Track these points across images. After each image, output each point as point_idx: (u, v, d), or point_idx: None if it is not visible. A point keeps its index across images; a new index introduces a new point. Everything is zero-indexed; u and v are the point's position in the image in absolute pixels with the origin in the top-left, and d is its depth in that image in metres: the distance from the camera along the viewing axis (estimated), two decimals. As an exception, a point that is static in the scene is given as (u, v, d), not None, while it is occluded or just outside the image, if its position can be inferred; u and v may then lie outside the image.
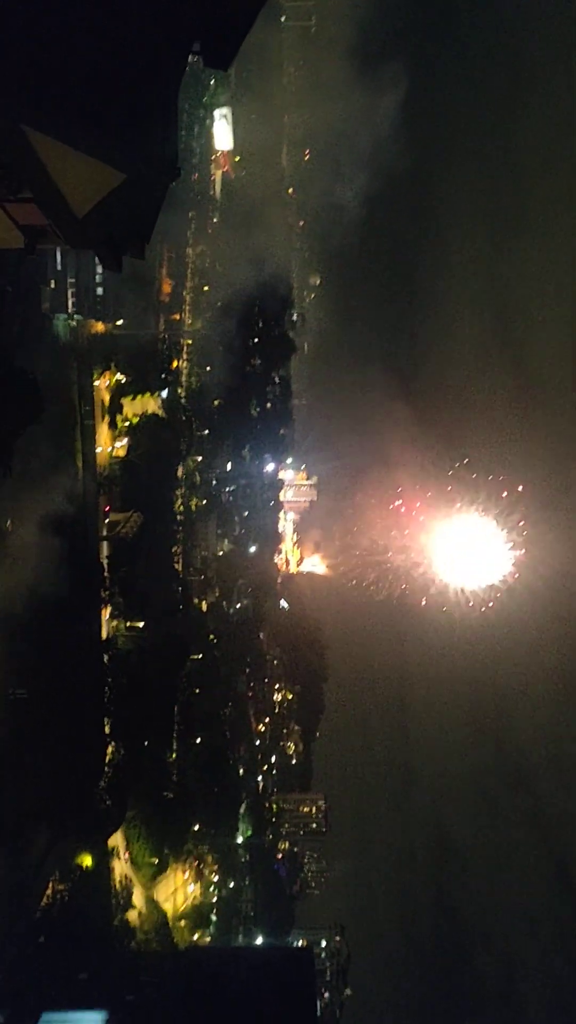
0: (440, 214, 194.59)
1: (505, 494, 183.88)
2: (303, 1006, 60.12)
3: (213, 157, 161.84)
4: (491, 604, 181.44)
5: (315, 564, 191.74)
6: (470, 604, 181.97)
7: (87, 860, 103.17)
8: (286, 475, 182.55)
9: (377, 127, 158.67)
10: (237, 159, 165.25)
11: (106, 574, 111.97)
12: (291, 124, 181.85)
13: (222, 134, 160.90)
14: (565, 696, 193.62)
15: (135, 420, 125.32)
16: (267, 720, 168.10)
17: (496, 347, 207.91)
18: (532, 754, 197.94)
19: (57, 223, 16.17)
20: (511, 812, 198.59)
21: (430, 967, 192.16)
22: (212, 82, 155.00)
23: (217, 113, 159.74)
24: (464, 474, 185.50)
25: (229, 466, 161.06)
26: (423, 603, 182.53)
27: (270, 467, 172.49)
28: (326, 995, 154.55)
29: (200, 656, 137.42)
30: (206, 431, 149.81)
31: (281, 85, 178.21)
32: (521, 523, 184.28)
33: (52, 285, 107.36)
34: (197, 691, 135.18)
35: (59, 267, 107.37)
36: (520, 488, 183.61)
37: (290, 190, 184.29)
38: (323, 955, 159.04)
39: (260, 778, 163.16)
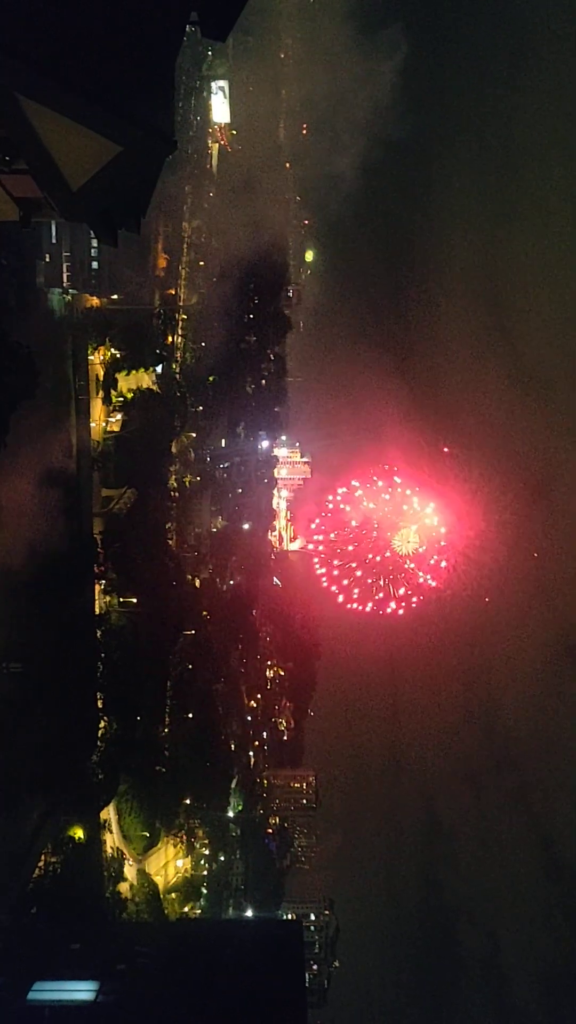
0: (438, 191, 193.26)
1: (498, 471, 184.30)
2: (292, 977, 60.78)
3: (210, 130, 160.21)
4: (484, 582, 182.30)
5: (306, 542, 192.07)
6: (458, 584, 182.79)
7: (79, 833, 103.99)
8: (280, 452, 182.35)
9: (375, 100, 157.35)
10: (234, 132, 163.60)
11: (100, 550, 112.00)
12: (289, 97, 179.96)
13: (219, 107, 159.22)
14: (552, 676, 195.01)
15: (129, 395, 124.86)
16: (259, 696, 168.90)
17: (491, 325, 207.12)
18: (519, 733, 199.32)
19: (52, 195, 16.06)
20: (497, 789, 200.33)
21: (417, 941, 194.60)
22: (209, 53, 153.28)
23: (214, 85, 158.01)
24: (457, 452, 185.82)
25: (223, 443, 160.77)
26: (419, 582, 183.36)
27: (264, 444, 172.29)
28: (315, 967, 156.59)
29: (193, 632, 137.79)
30: (200, 407, 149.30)
31: (279, 58, 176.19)
32: (514, 501, 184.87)
33: (47, 259, 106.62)
34: (190, 667, 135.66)
35: (54, 241, 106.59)
36: (515, 466, 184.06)
37: (287, 164, 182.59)
38: (312, 928, 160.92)
39: (251, 753, 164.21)
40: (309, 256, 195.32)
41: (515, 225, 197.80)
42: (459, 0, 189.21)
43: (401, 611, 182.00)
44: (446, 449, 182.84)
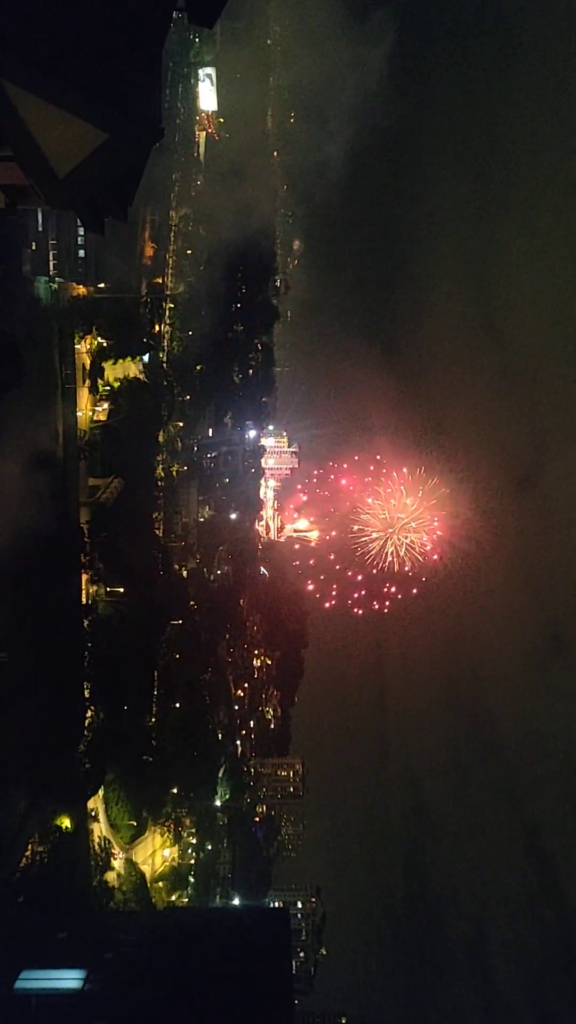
0: (426, 180, 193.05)
1: (484, 462, 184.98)
2: (279, 965, 61.12)
3: (197, 118, 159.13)
4: (470, 571, 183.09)
5: (295, 530, 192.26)
6: (445, 571, 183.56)
7: (66, 822, 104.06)
8: (268, 442, 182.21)
9: (364, 87, 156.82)
10: (221, 120, 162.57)
11: (86, 539, 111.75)
12: (276, 85, 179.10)
13: (206, 94, 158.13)
14: (537, 664, 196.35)
15: (116, 384, 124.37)
16: (246, 685, 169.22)
17: (478, 316, 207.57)
18: (503, 723, 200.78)
19: (38, 183, 15.94)
20: (482, 778, 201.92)
21: (403, 927, 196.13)
22: (197, 41, 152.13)
23: (202, 73, 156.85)
24: (443, 440, 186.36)
25: (211, 432, 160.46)
26: (406, 571, 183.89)
27: (252, 434, 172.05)
28: (302, 954, 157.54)
29: (180, 622, 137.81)
30: (188, 397, 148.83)
31: (267, 46, 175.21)
32: (500, 491, 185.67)
33: (33, 247, 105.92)
34: (177, 656, 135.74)
35: (40, 229, 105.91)
36: (500, 455, 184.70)
37: (275, 152, 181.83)
38: (299, 915, 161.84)
39: (239, 742, 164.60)
40: (297, 245, 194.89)
41: (503, 215, 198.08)
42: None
43: (385, 606, 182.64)
44: (430, 439, 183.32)
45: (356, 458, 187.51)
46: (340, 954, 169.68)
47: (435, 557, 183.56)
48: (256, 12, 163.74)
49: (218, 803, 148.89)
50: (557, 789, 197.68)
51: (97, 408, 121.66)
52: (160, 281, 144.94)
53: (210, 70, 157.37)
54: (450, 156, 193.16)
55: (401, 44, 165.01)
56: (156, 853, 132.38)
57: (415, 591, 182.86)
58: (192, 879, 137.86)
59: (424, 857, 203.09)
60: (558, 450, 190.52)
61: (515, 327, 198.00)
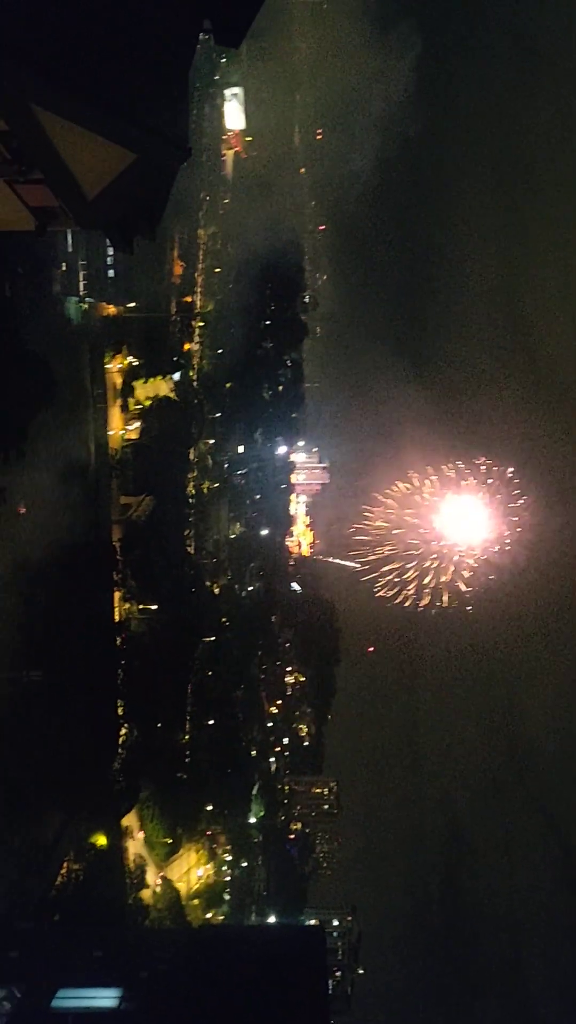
0: (455, 194, 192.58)
1: (514, 477, 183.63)
2: (315, 984, 60.52)
3: (224, 137, 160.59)
4: (504, 588, 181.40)
5: (327, 548, 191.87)
6: (477, 589, 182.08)
7: (101, 840, 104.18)
8: (298, 458, 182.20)
9: (390, 105, 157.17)
10: (249, 139, 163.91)
11: (119, 557, 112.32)
12: (303, 101, 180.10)
13: (233, 113, 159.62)
14: (573, 685, 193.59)
15: (147, 403, 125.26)
16: (279, 702, 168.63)
17: (508, 329, 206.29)
18: (540, 740, 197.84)
19: (68, 204, 16.10)
20: (519, 797, 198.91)
21: (439, 948, 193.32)
22: (223, 61, 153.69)
23: (228, 92, 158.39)
24: (475, 455, 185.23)
25: (241, 449, 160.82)
26: (438, 586, 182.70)
27: (282, 450, 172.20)
28: (338, 973, 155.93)
29: (213, 638, 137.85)
30: (218, 414, 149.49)
31: (292, 63, 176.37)
32: (530, 508, 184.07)
33: (63, 268, 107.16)
34: (210, 673, 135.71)
35: (70, 249, 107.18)
36: (529, 472, 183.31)
37: (302, 170, 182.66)
38: (335, 934, 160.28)
39: (272, 760, 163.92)
40: (325, 262, 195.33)
41: (531, 226, 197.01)
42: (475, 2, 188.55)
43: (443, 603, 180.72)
44: (461, 455, 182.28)
45: (387, 474, 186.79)
46: (376, 973, 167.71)
47: (467, 576, 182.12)
48: (281, 31, 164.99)
49: (252, 820, 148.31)
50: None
51: (128, 427, 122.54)
52: (189, 299, 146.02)
53: (237, 90, 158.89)
54: (478, 167, 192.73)
55: (426, 55, 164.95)
56: (191, 870, 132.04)
57: (451, 607, 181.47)
58: (227, 897, 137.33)
59: (460, 876, 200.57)
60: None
61: (546, 339, 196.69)
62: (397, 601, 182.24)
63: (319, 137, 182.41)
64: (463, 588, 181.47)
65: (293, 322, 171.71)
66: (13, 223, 17.78)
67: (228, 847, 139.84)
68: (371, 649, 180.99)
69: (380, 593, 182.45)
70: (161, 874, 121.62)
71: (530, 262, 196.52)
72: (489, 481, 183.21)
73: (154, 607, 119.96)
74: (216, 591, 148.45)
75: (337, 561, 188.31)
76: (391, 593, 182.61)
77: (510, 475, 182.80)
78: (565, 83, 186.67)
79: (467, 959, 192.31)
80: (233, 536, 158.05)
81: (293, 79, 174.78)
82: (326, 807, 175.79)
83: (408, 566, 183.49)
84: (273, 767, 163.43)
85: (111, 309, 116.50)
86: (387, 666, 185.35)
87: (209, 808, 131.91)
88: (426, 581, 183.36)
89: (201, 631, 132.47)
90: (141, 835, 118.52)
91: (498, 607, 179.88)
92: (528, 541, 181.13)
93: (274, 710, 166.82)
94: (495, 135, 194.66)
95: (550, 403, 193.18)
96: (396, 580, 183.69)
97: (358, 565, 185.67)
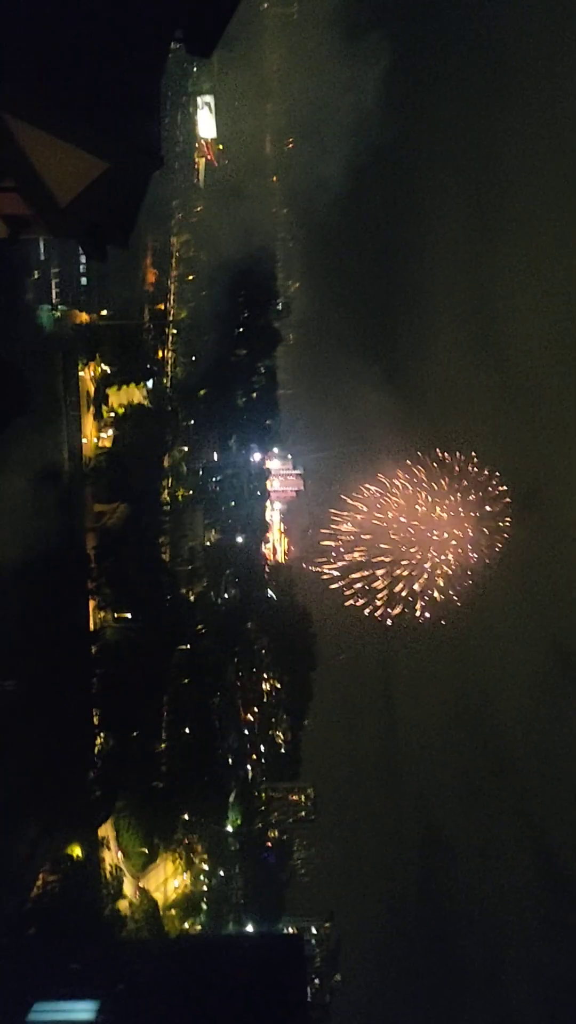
0: (426, 201, 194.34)
1: (487, 482, 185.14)
2: (294, 992, 60.45)
3: (196, 145, 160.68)
4: (477, 591, 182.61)
5: (301, 554, 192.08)
6: (453, 592, 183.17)
7: (77, 851, 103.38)
8: (272, 465, 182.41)
9: (361, 109, 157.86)
10: (220, 147, 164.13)
11: (92, 565, 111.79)
12: (274, 111, 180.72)
13: (205, 122, 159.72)
14: (547, 686, 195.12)
15: (121, 411, 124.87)
16: (256, 709, 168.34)
17: (477, 334, 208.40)
18: (516, 743, 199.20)
19: (40, 213, 16.08)
20: (496, 800, 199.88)
21: (418, 952, 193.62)
22: (195, 70, 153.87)
23: (200, 101, 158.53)
24: (448, 460, 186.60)
25: (215, 456, 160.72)
26: (411, 592, 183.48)
27: (256, 457, 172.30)
28: (316, 981, 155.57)
29: (188, 646, 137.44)
30: (192, 421, 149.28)
31: (263, 72, 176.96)
32: (505, 510, 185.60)
33: (36, 276, 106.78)
34: (186, 681, 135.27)
35: (43, 257, 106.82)
36: (503, 475, 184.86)
37: (274, 178, 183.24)
38: (313, 941, 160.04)
39: (249, 767, 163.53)
40: (297, 269, 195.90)
41: (504, 233, 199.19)
42: (443, 4, 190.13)
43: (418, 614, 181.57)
44: (443, 455, 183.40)
45: (361, 480, 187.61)
46: (355, 980, 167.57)
47: (439, 581, 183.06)
48: (252, 40, 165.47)
49: (229, 828, 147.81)
50: (571, 811, 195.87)
51: (102, 435, 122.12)
52: (162, 307, 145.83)
53: (208, 98, 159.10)
54: (448, 175, 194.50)
55: (397, 64, 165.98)
56: (168, 880, 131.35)
57: (425, 613, 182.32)
58: (205, 906, 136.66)
59: (438, 880, 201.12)
60: (561, 468, 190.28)
61: (515, 345, 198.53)
62: (367, 611, 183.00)
63: (290, 146, 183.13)
64: (437, 597, 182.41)
65: (266, 329, 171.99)
66: (-15, 231, 17.70)
67: (205, 856, 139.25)
68: (342, 657, 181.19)
69: (348, 603, 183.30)
70: (138, 884, 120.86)
71: (501, 268, 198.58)
72: (464, 485, 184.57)
73: (129, 615, 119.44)
74: (192, 598, 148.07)
75: (310, 568, 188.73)
76: (360, 603, 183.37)
77: (484, 478, 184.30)
78: (535, 90, 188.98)
79: (447, 963, 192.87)
80: (208, 543, 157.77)
81: (264, 88, 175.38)
82: (303, 814, 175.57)
83: (377, 573, 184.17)
84: (250, 774, 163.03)
85: (84, 317, 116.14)
86: (363, 671, 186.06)
87: (186, 817, 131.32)
88: (397, 589, 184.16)
89: (177, 639, 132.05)
90: (117, 845, 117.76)
91: (473, 610, 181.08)
92: (503, 543, 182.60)
93: (250, 717, 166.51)
94: (466, 143, 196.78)
95: (523, 405, 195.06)
96: (365, 588, 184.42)
97: (336, 572, 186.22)
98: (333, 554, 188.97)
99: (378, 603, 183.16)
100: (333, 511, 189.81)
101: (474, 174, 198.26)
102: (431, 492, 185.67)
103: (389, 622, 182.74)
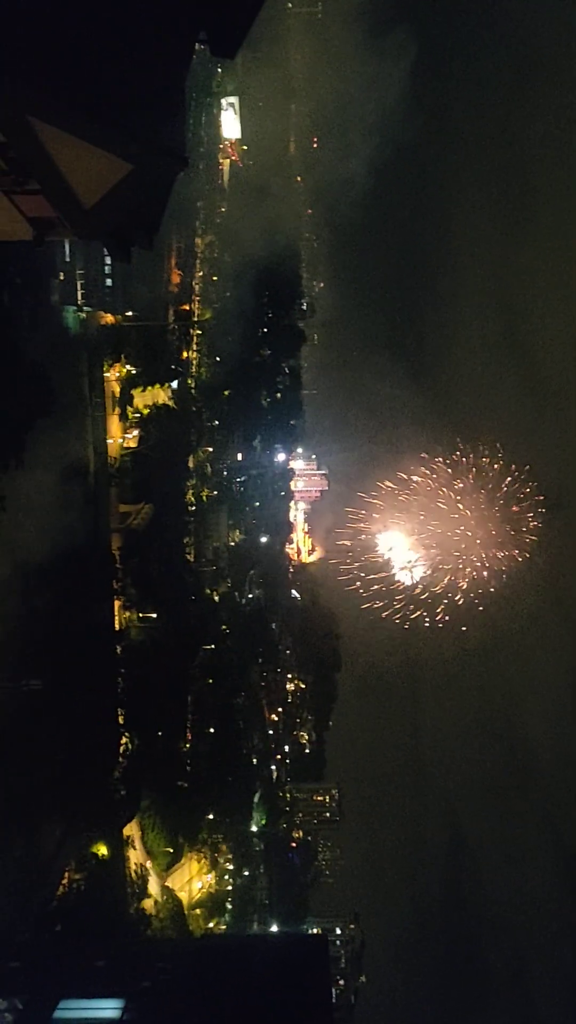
0: (451, 201, 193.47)
1: (514, 482, 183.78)
2: (318, 992, 60.29)
3: (221, 146, 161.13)
4: (503, 594, 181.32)
5: (325, 555, 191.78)
6: (476, 596, 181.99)
7: (102, 850, 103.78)
8: (297, 465, 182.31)
9: (385, 108, 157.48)
10: (245, 148, 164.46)
11: (118, 565, 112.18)
12: (299, 111, 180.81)
13: (229, 123, 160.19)
14: (572, 691, 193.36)
15: (146, 411, 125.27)
16: (280, 710, 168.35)
17: (506, 334, 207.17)
18: (541, 747, 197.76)
19: (65, 215, 16.14)
20: (521, 804, 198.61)
21: (442, 955, 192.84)
22: (219, 71, 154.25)
23: (224, 102, 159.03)
24: (474, 461, 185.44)
25: (240, 457, 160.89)
26: (432, 595, 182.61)
27: (281, 457, 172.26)
28: (341, 982, 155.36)
29: (213, 646, 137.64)
30: (216, 422, 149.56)
31: (288, 72, 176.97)
32: (531, 512, 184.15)
33: (61, 277, 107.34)
34: (210, 681, 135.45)
35: (68, 259, 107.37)
36: (529, 476, 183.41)
37: (298, 178, 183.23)
38: (337, 942, 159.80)
39: (274, 767, 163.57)
40: (322, 269, 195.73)
41: (529, 231, 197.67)
42: (468, 2, 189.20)
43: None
44: (469, 455, 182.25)
45: (386, 480, 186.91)
46: (379, 982, 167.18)
47: (464, 584, 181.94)
48: (276, 40, 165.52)
49: (254, 829, 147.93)
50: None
51: (127, 435, 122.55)
52: (187, 308, 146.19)
53: (233, 99, 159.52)
54: (474, 173, 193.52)
55: (421, 61, 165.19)
56: (193, 880, 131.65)
57: (445, 616, 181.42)
58: (229, 906, 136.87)
59: (462, 883, 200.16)
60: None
61: (541, 344, 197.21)
62: (385, 615, 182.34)
63: (315, 145, 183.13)
64: (459, 601, 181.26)
65: (291, 329, 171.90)
66: (11, 233, 17.82)
67: (230, 856, 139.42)
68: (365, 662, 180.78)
69: (365, 606, 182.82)
70: (163, 883, 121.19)
71: (527, 267, 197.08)
72: (489, 486, 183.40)
73: (154, 615, 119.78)
74: (216, 599, 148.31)
75: (335, 568, 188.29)
76: (378, 605, 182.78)
77: (511, 479, 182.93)
78: (561, 87, 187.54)
79: (470, 966, 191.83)
80: (233, 544, 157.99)
81: (288, 88, 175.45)
82: (328, 814, 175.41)
83: (401, 574, 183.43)
84: (274, 775, 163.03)
85: (109, 318, 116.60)
86: (388, 672, 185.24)
87: (210, 817, 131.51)
88: (417, 592, 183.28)
89: (201, 639, 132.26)
90: (142, 845, 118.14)
91: (499, 613, 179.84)
92: (530, 545, 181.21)
93: (275, 717, 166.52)
94: (491, 140, 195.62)
95: (549, 406, 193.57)
96: (384, 591, 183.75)
97: (359, 572, 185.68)
98: (352, 553, 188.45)
99: (397, 609, 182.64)
100: (355, 510, 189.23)
101: (499, 172, 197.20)
102: (456, 491, 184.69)
103: (407, 626, 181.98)
